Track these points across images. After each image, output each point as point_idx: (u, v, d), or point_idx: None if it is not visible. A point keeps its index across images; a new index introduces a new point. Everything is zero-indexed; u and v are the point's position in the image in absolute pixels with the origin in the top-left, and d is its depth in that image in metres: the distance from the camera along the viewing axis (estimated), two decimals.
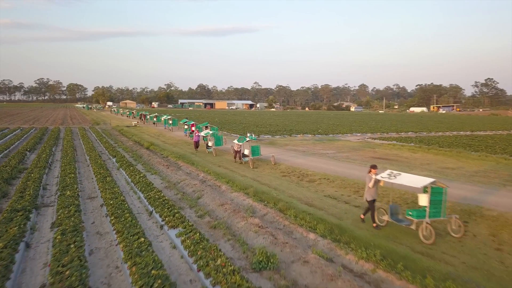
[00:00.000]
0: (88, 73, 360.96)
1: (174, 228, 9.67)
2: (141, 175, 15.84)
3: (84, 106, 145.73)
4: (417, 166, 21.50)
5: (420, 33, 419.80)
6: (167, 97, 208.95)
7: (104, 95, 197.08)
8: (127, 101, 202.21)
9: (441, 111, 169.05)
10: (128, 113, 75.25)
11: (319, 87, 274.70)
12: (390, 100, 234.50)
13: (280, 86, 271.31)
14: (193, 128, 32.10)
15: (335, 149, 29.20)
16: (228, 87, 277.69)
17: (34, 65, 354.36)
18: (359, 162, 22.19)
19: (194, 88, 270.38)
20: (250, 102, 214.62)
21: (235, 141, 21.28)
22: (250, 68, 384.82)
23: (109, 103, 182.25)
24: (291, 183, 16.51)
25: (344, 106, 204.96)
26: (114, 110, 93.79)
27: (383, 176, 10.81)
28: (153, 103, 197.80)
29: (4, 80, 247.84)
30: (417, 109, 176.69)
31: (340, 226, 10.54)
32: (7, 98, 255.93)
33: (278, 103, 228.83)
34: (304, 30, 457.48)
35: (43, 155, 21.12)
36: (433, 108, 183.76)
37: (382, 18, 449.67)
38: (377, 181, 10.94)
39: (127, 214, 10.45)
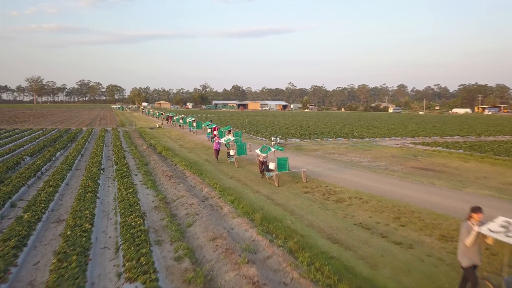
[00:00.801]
0: (127, 75, 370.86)
1: (131, 283, 6.75)
2: (132, 189, 13.10)
3: (119, 107, 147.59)
4: (472, 181, 17.56)
5: (463, 31, 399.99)
6: (202, 98, 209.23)
7: (140, 96, 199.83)
8: (162, 102, 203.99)
9: (487, 112, 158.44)
10: (157, 114, 74.08)
11: (356, 87, 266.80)
12: (430, 101, 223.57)
13: (316, 86, 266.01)
14: (215, 132, 29.10)
15: (371, 156, 25.51)
16: (263, 88, 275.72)
17: (76, 67, 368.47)
18: (400, 174, 18.50)
19: (229, 89, 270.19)
20: (283, 102, 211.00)
21: (258, 151, 17.51)
22: (285, 69, 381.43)
23: (144, 104, 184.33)
24: (313, 203, 13.23)
25: (382, 107, 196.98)
26: (145, 111, 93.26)
27: (494, 228, 6.07)
28: (187, 104, 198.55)
29: (48, 82, 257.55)
30: (460, 110, 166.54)
31: (374, 283, 7.25)
32: (51, 99, 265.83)
33: (313, 104, 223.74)
34: (340, 30, 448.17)
35: (38, 162, 18.98)
36: (478, 109, 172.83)
37: (421, 16, 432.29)
38: (481, 236, 6.34)
39: (79, 253, 7.65)
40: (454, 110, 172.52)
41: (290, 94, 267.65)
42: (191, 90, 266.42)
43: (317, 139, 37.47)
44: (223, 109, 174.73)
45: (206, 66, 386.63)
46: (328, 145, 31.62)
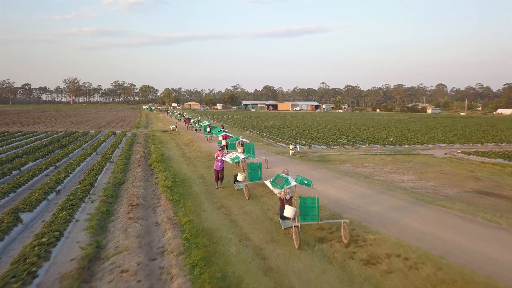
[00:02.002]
0: (160, 76, 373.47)
1: None
2: (49, 238, 8.63)
3: (147, 107, 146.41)
4: None
5: (506, 27, 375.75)
6: (232, 98, 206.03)
7: (170, 96, 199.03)
8: (192, 102, 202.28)
9: None
10: (178, 116, 70.59)
11: (392, 87, 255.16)
12: (472, 101, 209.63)
13: (349, 86, 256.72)
14: (223, 143, 24.00)
15: (414, 172, 19.98)
16: (294, 88, 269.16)
17: (112, 69, 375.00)
18: (460, 207, 12.98)
19: (260, 90, 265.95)
20: (315, 103, 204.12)
21: (269, 184, 10.77)
22: (318, 69, 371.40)
23: (174, 104, 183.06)
24: (328, 266, 8.23)
25: (419, 107, 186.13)
26: (169, 113, 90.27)
27: None
28: (217, 104, 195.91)
29: (84, 83, 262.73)
30: (505, 111, 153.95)
31: None
32: (87, 100, 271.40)
33: (347, 104, 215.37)
34: (376, 29, 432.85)
35: None
36: None
37: (460, 13, 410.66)
38: None
39: None
40: (499, 110, 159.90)
41: (322, 94, 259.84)
42: (223, 90, 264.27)
43: (347, 146, 32.06)
44: (252, 110, 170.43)
45: (238, 67, 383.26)
46: (360, 155, 26.22)
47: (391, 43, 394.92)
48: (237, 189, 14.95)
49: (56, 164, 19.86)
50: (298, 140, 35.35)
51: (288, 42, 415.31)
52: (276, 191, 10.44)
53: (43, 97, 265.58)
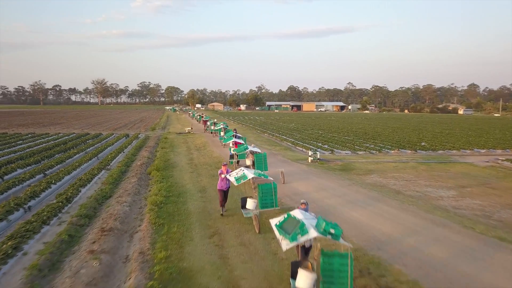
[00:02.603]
0: (186, 77, 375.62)
1: None
2: None
3: (171, 108, 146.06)
4: None
5: None
6: (255, 99, 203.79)
7: (194, 97, 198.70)
8: (215, 103, 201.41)
9: None
10: (197, 117, 68.76)
11: (421, 87, 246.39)
12: (507, 102, 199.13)
13: (376, 86, 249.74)
14: (232, 151, 20.85)
15: (454, 185, 16.90)
16: (320, 88, 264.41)
17: (139, 70, 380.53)
18: None
19: (285, 90, 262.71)
20: (341, 103, 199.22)
21: (275, 228, 7.08)
22: (344, 69, 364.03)
23: (198, 105, 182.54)
24: None
25: (450, 108, 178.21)
26: (190, 114, 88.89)
27: None
28: (240, 105, 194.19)
29: (112, 84, 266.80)
30: None
31: None
32: (114, 101, 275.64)
33: (373, 105, 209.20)
34: (403, 28, 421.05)
35: None
36: None
37: (492, 11, 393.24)
38: None
39: None
40: None
41: (348, 95, 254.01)
42: (247, 91, 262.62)
43: (374, 151, 28.99)
44: (275, 111, 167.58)
45: (263, 68, 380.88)
46: (389, 162, 23.18)
47: (420, 43, 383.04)
48: (246, 216, 11.29)
49: (46, 172, 17.92)
50: (320, 144, 32.49)
51: (313, 42, 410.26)
52: (284, 244, 6.38)
53: (73, 98, 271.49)
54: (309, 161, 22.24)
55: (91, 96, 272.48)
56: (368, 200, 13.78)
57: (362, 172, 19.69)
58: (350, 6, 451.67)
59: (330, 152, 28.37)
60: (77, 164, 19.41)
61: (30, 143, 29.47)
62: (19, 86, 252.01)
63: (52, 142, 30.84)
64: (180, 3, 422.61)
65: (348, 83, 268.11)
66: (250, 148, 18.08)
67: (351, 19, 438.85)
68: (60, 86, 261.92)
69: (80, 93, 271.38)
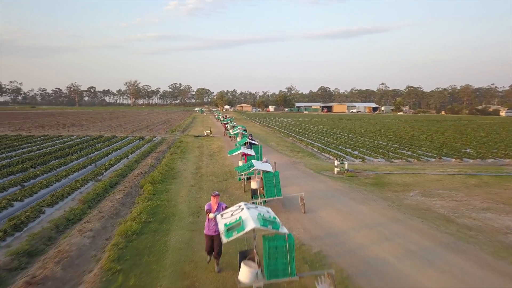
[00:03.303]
0: (217, 78, 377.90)
1: None
2: None
3: (199, 109, 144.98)
4: None
5: None
6: (284, 100, 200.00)
7: (223, 99, 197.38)
8: (244, 105, 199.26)
9: None
10: (222, 119, 66.32)
11: (458, 87, 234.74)
12: None
13: (411, 87, 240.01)
14: (240, 163, 17.53)
15: None
16: (351, 89, 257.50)
17: (171, 72, 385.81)
18: None
19: (315, 91, 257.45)
20: (373, 104, 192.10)
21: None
22: (376, 69, 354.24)
23: (226, 107, 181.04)
24: None
25: (491, 110, 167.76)
26: (216, 115, 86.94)
27: None
28: (269, 106, 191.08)
29: (144, 85, 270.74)
30: None
31: None
32: (146, 102, 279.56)
33: (408, 106, 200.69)
34: (438, 27, 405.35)
35: None
36: None
37: None
38: None
39: None
40: None
41: (381, 96, 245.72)
42: (277, 92, 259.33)
43: (412, 160, 25.18)
44: (305, 112, 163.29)
45: (293, 69, 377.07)
46: (431, 174, 19.36)
47: (456, 42, 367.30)
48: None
49: (25, 184, 15.48)
50: (350, 151, 28.88)
51: (345, 42, 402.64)
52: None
53: (107, 99, 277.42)
54: (335, 172, 18.81)
55: (124, 97, 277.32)
56: (407, 233, 10.30)
57: (400, 188, 16.09)
58: (383, 6, 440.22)
59: (360, 160, 24.78)
60: (64, 174, 16.91)
61: (35, 147, 27.57)
62: (56, 88, 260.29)
63: (60, 145, 28.86)
64: (212, 5, 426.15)
65: (381, 84, 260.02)
66: (258, 165, 12.88)
67: (384, 18, 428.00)
68: (94, 88, 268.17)
69: (114, 94, 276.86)
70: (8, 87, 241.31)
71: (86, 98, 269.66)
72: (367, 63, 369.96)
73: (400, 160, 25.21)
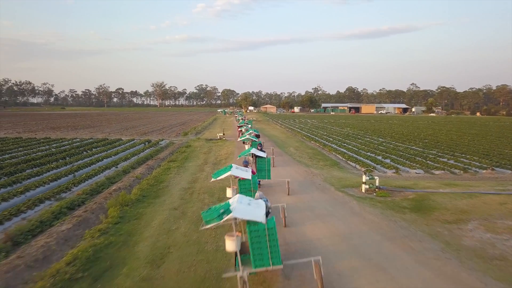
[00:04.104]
0: (242, 79, 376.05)
1: None
2: None
3: (221, 110, 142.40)
4: None
5: None
6: (310, 101, 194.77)
7: (247, 100, 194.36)
8: (268, 106, 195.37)
9: None
10: (240, 121, 62.85)
11: (494, 88, 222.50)
12: None
13: (443, 87, 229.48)
14: (241, 174, 12.56)
15: None
16: (380, 90, 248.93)
17: (197, 73, 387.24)
18: None
19: (342, 92, 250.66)
20: (403, 105, 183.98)
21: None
22: (406, 70, 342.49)
23: (251, 108, 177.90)
24: None
25: None
26: (237, 117, 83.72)
27: None
28: (294, 107, 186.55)
29: (170, 87, 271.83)
30: None
31: None
32: (173, 103, 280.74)
33: (440, 107, 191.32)
34: (471, 25, 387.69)
35: None
36: None
37: None
38: None
39: None
40: None
41: (412, 96, 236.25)
42: (303, 93, 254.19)
43: (456, 170, 20.73)
44: (331, 113, 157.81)
45: (320, 69, 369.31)
46: (489, 195, 14.92)
47: (491, 40, 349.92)
48: None
49: None
50: (380, 158, 24.64)
51: (374, 42, 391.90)
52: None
53: (134, 100, 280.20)
54: (363, 190, 14.74)
55: (151, 98, 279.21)
56: None
57: (451, 215, 11.89)
58: (414, 5, 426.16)
59: (394, 171, 20.52)
60: (21, 189, 13.66)
61: (22, 152, 24.76)
62: (86, 89, 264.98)
63: (53, 149, 26.03)
64: (239, 7, 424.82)
65: (411, 84, 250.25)
66: (241, 213, 6.75)
67: (415, 18, 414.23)
68: (122, 89, 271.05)
69: (141, 96, 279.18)
70: (41, 88, 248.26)
71: (115, 99, 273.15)
72: (396, 63, 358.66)
73: (443, 171, 20.79)
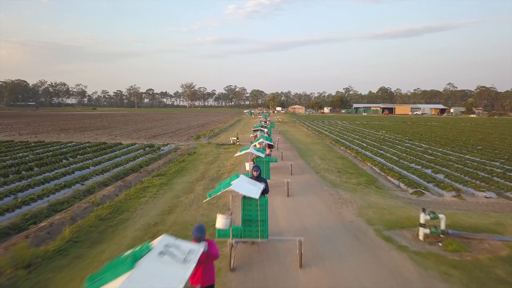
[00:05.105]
0: (271, 80, 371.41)
1: None
2: None
3: (248, 111, 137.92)
4: None
5: None
6: (341, 101, 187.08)
7: (274, 100, 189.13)
8: (296, 106, 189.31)
9: None
10: (261, 122, 57.66)
11: None
12: None
13: (482, 87, 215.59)
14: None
15: None
16: (415, 90, 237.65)
17: (226, 74, 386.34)
18: None
19: (375, 92, 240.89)
20: (440, 106, 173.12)
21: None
22: (442, 69, 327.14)
23: (278, 108, 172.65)
24: None
25: None
26: (261, 118, 78.74)
27: None
28: (324, 108, 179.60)
29: (200, 88, 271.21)
30: None
31: None
32: (202, 104, 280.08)
33: (480, 108, 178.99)
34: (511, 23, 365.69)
35: None
36: None
37: None
38: None
39: None
40: None
41: (448, 97, 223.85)
42: (333, 93, 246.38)
43: None
44: (364, 114, 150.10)
45: (351, 69, 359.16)
46: None
47: None
48: None
49: None
50: (430, 173, 19.01)
51: (408, 41, 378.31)
52: None
53: (165, 101, 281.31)
54: (421, 235, 9.35)
55: (181, 99, 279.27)
56: None
57: None
58: (449, 3, 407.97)
59: (453, 194, 14.86)
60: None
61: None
62: (117, 90, 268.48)
63: (31, 156, 21.99)
64: (270, 8, 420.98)
65: (448, 84, 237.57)
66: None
67: (450, 16, 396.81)
68: (153, 90, 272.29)
69: (171, 96, 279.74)
70: (75, 90, 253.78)
71: (146, 100, 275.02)
72: (431, 63, 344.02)
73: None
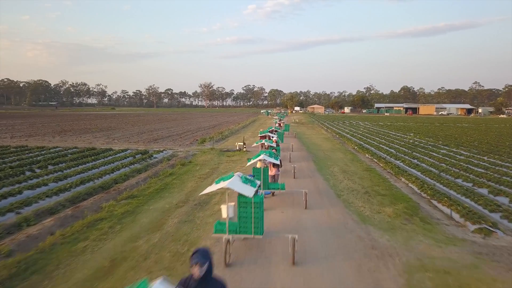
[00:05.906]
0: (291, 80, 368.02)
1: None
2: None
3: (264, 111, 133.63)
4: None
5: None
6: (362, 101, 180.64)
7: (292, 99, 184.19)
8: (315, 106, 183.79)
9: None
10: (275, 124, 53.36)
11: None
12: None
13: (511, 86, 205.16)
14: None
15: None
16: (439, 89, 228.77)
17: (244, 74, 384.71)
18: None
19: (397, 91, 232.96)
20: (467, 106, 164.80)
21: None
22: (467, 68, 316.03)
23: (297, 108, 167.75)
24: None
25: None
26: (276, 119, 74.50)
27: None
28: (344, 108, 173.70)
29: (218, 87, 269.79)
30: None
31: None
32: (220, 104, 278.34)
33: (511, 108, 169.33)
34: None
35: None
36: None
37: None
38: None
39: None
40: None
41: (474, 96, 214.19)
42: (354, 92, 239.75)
43: None
44: (386, 114, 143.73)
45: (373, 68, 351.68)
46: None
47: None
48: None
49: None
50: (487, 194, 14.36)
51: (430, 40, 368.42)
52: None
53: (183, 100, 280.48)
54: None
55: (199, 99, 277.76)
56: None
57: None
58: (472, 1, 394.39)
59: None
60: None
61: None
62: (137, 90, 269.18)
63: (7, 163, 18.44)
64: (289, 7, 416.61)
65: (474, 83, 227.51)
66: None
67: (474, 14, 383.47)
68: (171, 90, 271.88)
69: (190, 96, 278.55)
70: (95, 90, 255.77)
71: (165, 100, 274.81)
72: (455, 61, 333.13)
73: None
